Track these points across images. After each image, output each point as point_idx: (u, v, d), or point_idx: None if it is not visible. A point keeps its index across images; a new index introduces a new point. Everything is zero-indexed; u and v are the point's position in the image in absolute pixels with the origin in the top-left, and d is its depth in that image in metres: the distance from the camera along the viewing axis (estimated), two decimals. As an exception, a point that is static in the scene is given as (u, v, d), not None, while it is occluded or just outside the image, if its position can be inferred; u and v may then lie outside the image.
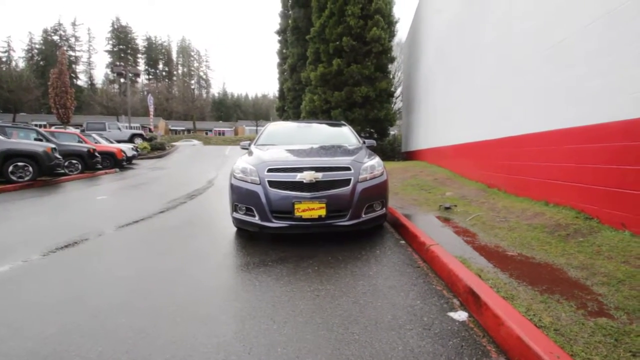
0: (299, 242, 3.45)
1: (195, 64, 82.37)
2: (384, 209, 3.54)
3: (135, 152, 16.20)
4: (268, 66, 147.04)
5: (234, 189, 3.42)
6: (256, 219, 3.22)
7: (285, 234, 3.54)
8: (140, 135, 21.87)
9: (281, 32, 22.33)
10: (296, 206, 3.06)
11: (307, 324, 1.89)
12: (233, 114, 76.37)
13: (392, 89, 14.79)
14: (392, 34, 14.05)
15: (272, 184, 3.16)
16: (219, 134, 61.48)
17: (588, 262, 2.42)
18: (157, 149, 21.54)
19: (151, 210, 5.28)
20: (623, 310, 1.76)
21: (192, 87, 75.46)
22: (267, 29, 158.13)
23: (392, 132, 19.65)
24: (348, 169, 3.29)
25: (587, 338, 1.52)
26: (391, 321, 1.90)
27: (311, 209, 3.07)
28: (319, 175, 3.13)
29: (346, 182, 3.21)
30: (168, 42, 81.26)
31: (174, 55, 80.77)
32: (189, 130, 59.44)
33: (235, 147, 30.53)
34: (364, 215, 3.28)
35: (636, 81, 2.94)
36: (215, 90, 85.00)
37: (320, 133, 4.91)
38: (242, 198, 3.31)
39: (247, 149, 4.52)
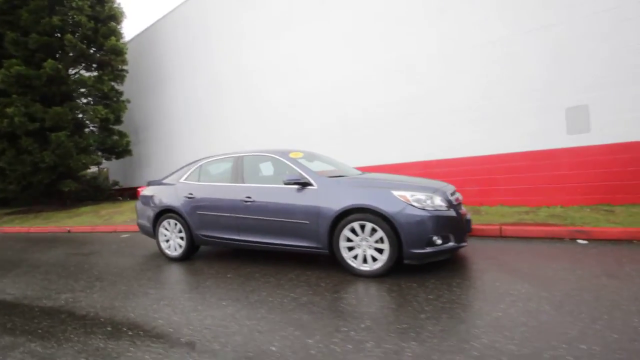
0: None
1: None
2: None
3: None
4: None
5: (424, 220, 3.18)
6: (451, 244, 3.29)
7: None
8: None
9: None
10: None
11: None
12: None
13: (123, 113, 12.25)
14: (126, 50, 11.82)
15: (455, 207, 3.45)
16: None
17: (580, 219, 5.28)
18: None
19: None
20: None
21: None
22: None
23: (92, 169, 15.31)
24: None
25: None
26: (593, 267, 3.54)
27: None
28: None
29: None
30: None
31: None
32: None
33: None
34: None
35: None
36: None
37: (331, 163, 4.74)
38: (440, 228, 3.23)
39: (298, 183, 3.65)
